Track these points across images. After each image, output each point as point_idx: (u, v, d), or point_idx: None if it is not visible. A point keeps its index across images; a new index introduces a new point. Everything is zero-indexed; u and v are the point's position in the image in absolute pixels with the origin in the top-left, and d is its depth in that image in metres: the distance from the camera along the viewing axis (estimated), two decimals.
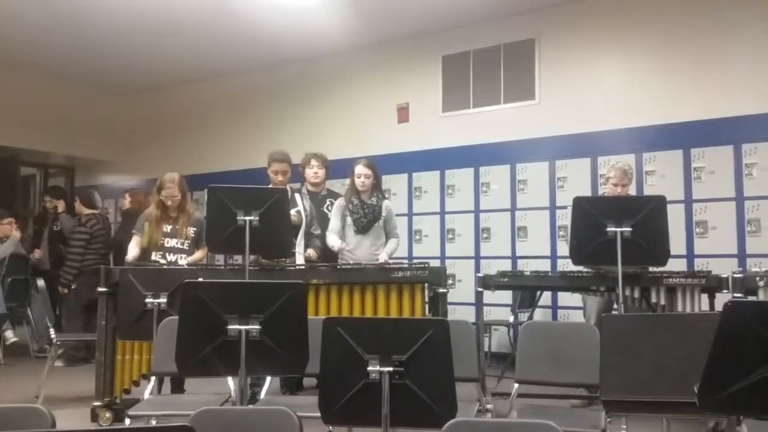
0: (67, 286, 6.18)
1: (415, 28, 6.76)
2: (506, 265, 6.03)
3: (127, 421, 3.06)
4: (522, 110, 6.37)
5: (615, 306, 4.13)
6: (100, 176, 9.48)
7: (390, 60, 7.13)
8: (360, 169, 4.68)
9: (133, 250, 4.44)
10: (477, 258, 6.47)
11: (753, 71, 5.34)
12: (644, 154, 5.75)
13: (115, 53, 7.47)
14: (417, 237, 6.84)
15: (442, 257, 6.63)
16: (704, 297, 3.87)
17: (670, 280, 3.84)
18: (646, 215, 3.63)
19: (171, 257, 4.45)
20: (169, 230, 4.50)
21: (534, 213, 6.24)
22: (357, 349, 2.15)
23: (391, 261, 4.51)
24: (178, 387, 4.30)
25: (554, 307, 6.03)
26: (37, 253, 7.01)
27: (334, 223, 4.70)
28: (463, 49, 6.69)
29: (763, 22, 5.33)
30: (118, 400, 4.15)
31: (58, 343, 4.99)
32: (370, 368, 2.13)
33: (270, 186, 4.60)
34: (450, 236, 6.67)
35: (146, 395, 3.41)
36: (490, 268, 5.88)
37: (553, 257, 6.06)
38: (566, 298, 5.58)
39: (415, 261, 5.42)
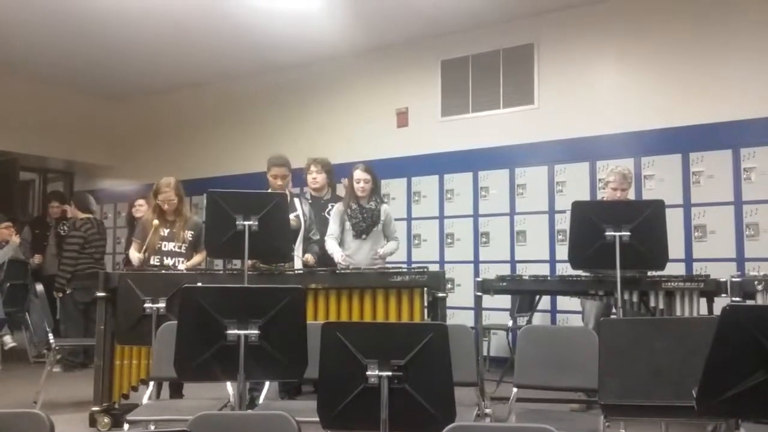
0: (61, 290, 6.15)
1: (414, 33, 6.78)
2: (505, 270, 6.01)
3: (126, 426, 3.05)
4: (521, 115, 6.38)
5: (614, 310, 4.14)
6: (99, 181, 9.49)
7: (389, 65, 7.14)
8: (358, 173, 4.68)
9: (135, 257, 4.46)
10: (476, 262, 6.47)
11: (751, 76, 5.36)
12: (643, 158, 5.75)
13: (114, 58, 7.48)
14: (416, 241, 6.84)
15: (441, 261, 6.63)
16: (703, 301, 3.88)
17: (669, 284, 3.85)
18: (645, 219, 3.64)
19: (168, 261, 4.46)
20: (166, 234, 4.51)
21: (533, 217, 6.24)
22: (356, 353, 2.15)
23: (389, 264, 4.50)
24: (176, 392, 4.29)
25: (553, 311, 6.03)
26: (37, 258, 7.00)
27: (333, 227, 4.69)
28: (462, 53, 6.71)
29: (761, 26, 5.35)
30: (116, 405, 4.15)
31: (57, 348, 4.98)
32: (368, 373, 2.13)
33: (269, 191, 4.60)
34: (449, 240, 6.67)
35: (145, 400, 3.41)
36: (489, 272, 5.91)
37: (552, 261, 6.06)
38: (565, 302, 5.57)
39: (414, 265, 5.41)
